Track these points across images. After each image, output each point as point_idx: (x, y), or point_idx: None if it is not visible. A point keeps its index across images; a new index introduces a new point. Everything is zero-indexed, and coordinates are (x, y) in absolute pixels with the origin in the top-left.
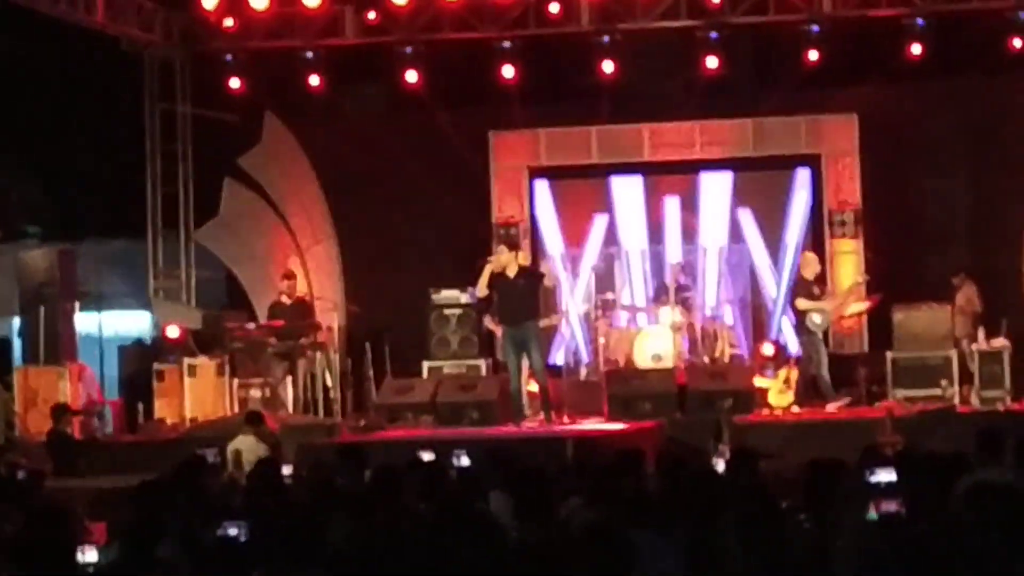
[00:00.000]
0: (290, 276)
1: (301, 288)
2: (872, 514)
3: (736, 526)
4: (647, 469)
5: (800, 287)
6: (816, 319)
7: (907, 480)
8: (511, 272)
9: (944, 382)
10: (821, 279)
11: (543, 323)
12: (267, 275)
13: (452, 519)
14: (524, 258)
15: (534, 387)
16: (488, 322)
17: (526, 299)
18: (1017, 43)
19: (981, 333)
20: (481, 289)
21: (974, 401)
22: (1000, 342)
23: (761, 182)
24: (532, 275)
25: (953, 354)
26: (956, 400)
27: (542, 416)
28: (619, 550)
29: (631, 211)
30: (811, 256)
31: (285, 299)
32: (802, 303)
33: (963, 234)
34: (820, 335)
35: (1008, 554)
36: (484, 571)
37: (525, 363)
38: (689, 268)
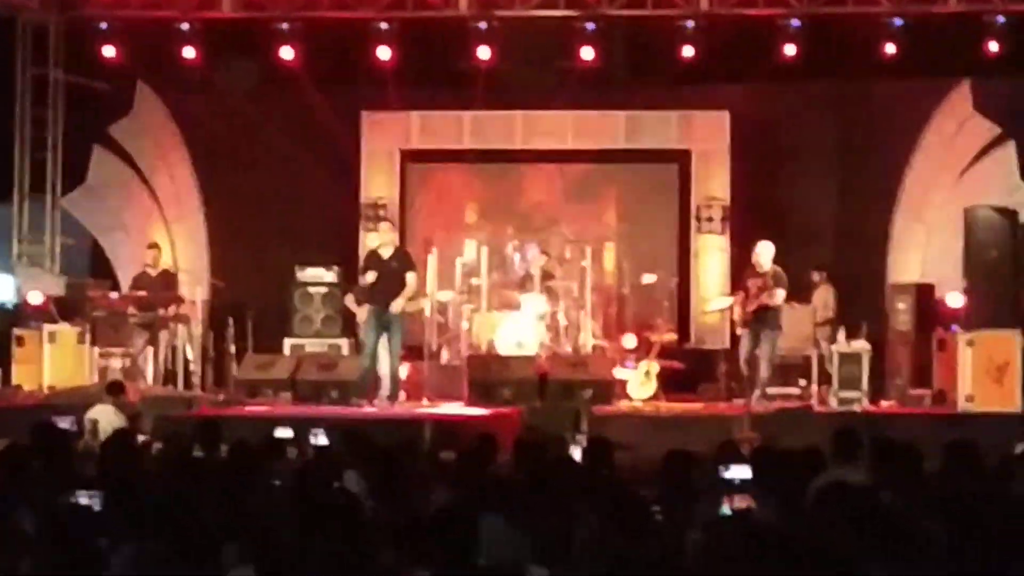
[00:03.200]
0: (155, 247)
1: (166, 260)
2: (725, 509)
3: (591, 515)
4: (504, 455)
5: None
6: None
7: (762, 477)
8: (385, 253)
9: (803, 381)
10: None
11: (409, 307)
12: (132, 245)
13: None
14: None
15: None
16: (349, 302)
17: (396, 281)
18: (890, 48)
19: (841, 334)
20: (368, 280)
21: (832, 401)
22: (859, 344)
23: (631, 174)
24: (405, 258)
25: (813, 354)
26: (814, 400)
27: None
28: (471, 534)
29: (500, 197)
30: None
31: (150, 270)
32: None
33: (828, 235)
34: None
35: (860, 553)
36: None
37: (384, 346)
38: (556, 257)
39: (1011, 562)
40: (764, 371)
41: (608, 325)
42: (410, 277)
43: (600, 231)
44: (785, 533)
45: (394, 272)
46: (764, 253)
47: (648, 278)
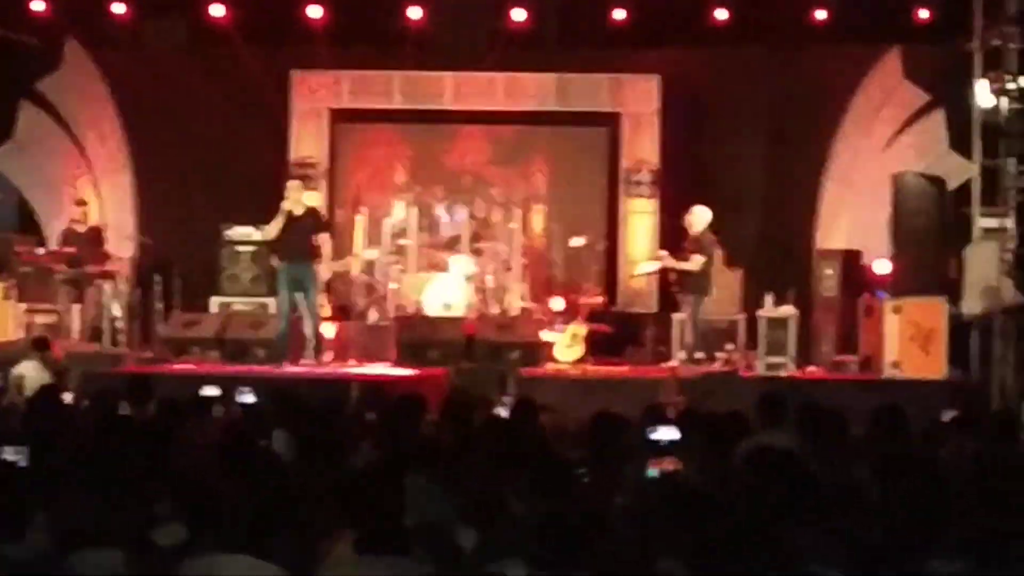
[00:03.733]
0: (83, 203)
1: (94, 216)
2: (652, 471)
3: (518, 476)
4: (431, 415)
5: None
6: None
7: (688, 440)
8: (297, 211)
9: (730, 346)
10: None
11: (336, 266)
12: (60, 201)
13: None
14: (318, 199)
15: (323, 329)
16: (275, 260)
17: (307, 238)
18: (820, 14)
19: (769, 299)
20: (270, 232)
21: (758, 366)
22: (787, 309)
23: (561, 137)
24: (317, 217)
25: (740, 318)
26: (741, 364)
27: (328, 357)
28: (398, 493)
29: (430, 158)
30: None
31: (77, 226)
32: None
33: (757, 201)
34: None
35: (784, 516)
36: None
37: (302, 304)
38: (485, 219)
39: (936, 525)
40: (687, 335)
41: (536, 288)
42: (323, 238)
43: (529, 193)
44: (710, 495)
45: (304, 230)
46: (693, 218)
47: (576, 241)
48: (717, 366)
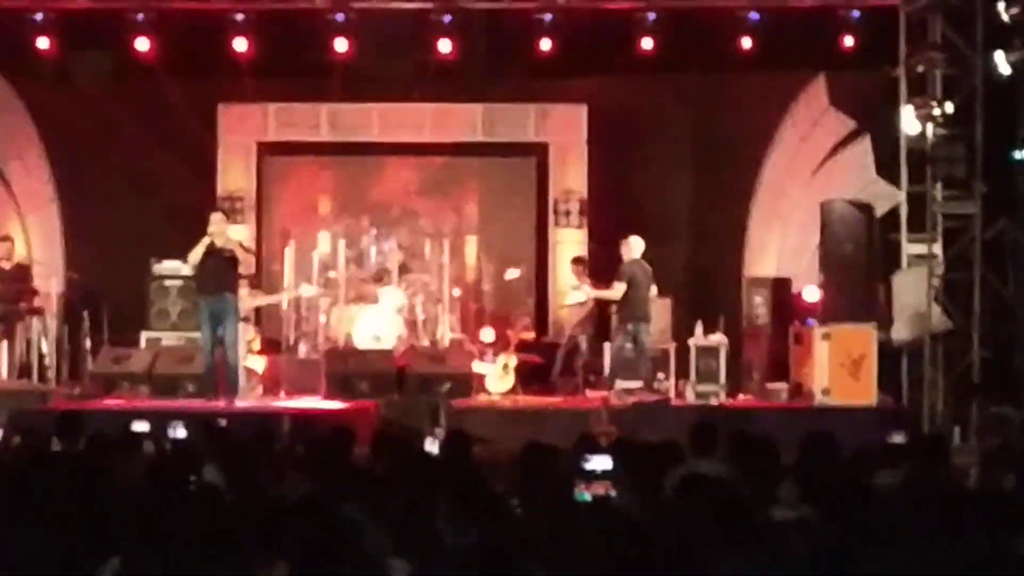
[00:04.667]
0: (8, 240)
1: (20, 252)
2: (584, 495)
3: (448, 507)
4: (360, 447)
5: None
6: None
7: (620, 468)
8: (219, 242)
9: (661, 375)
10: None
11: (266, 300)
12: None
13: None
14: (244, 233)
15: (252, 363)
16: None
17: (227, 271)
18: (746, 42)
19: (699, 328)
20: (192, 258)
21: (689, 395)
22: (717, 338)
23: (489, 168)
24: (234, 252)
25: (671, 347)
26: (672, 393)
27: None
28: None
29: (358, 190)
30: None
31: (3, 263)
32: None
33: (686, 229)
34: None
35: (715, 543)
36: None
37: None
38: (413, 250)
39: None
40: (607, 363)
41: (466, 319)
42: (245, 264)
43: (458, 224)
44: (641, 521)
45: (221, 263)
46: (626, 246)
47: (512, 273)
48: (646, 395)
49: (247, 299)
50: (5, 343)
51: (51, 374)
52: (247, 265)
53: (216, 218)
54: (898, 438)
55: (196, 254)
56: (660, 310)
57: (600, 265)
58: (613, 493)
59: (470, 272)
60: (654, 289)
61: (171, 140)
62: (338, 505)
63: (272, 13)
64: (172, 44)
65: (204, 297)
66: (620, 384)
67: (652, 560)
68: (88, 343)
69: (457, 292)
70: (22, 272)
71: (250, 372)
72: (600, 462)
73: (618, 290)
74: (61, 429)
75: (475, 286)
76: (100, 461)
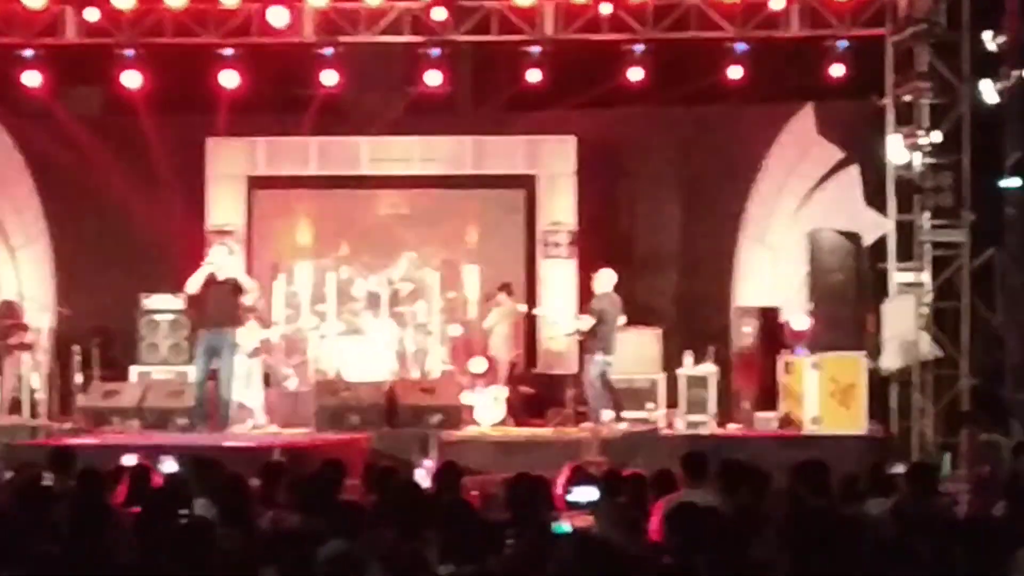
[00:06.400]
0: None
1: (11, 288)
2: (565, 526)
3: (439, 539)
4: (351, 480)
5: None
6: None
7: (610, 499)
8: (221, 275)
9: (651, 405)
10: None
11: (259, 336)
12: None
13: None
14: (238, 266)
15: (247, 398)
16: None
17: (229, 305)
18: (734, 73)
19: (688, 357)
20: (191, 286)
21: (679, 425)
22: (706, 368)
23: (479, 200)
24: (239, 284)
25: (660, 377)
26: (661, 423)
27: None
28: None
29: (347, 224)
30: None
31: None
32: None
33: (675, 259)
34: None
35: (707, 573)
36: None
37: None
38: (402, 283)
39: None
40: (587, 394)
41: (456, 350)
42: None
43: (448, 256)
44: (623, 551)
45: (227, 296)
46: (597, 280)
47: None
48: (638, 426)
49: (258, 331)
50: None
51: (42, 409)
52: (255, 299)
53: (221, 251)
54: (899, 468)
55: (196, 282)
56: (649, 340)
57: (589, 296)
58: (599, 525)
59: (459, 304)
60: (622, 319)
61: (160, 174)
62: (329, 538)
63: (261, 47)
64: (161, 79)
65: (203, 329)
66: (605, 415)
67: None
68: (79, 378)
69: (459, 331)
70: (11, 308)
71: (243, 407)
72: (587, 493)
73: (585, 323)
74: (52, 464)
75: (466, 318)
76: (93, 495)
